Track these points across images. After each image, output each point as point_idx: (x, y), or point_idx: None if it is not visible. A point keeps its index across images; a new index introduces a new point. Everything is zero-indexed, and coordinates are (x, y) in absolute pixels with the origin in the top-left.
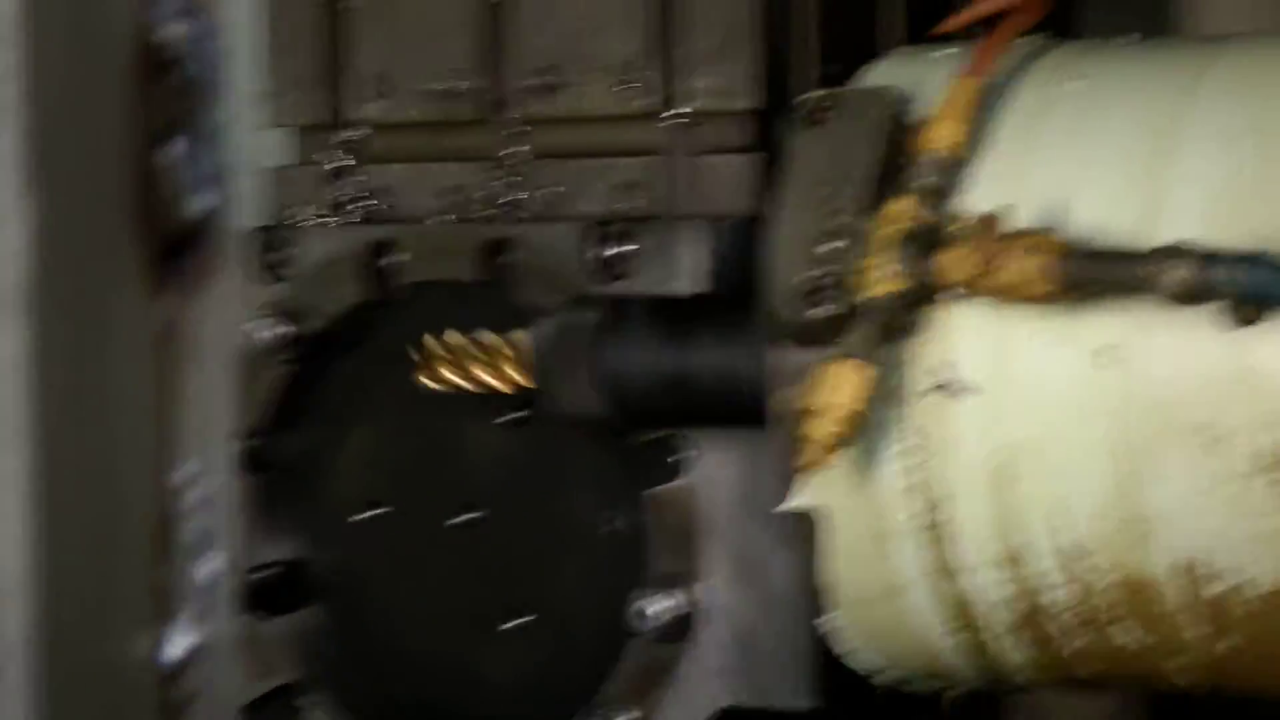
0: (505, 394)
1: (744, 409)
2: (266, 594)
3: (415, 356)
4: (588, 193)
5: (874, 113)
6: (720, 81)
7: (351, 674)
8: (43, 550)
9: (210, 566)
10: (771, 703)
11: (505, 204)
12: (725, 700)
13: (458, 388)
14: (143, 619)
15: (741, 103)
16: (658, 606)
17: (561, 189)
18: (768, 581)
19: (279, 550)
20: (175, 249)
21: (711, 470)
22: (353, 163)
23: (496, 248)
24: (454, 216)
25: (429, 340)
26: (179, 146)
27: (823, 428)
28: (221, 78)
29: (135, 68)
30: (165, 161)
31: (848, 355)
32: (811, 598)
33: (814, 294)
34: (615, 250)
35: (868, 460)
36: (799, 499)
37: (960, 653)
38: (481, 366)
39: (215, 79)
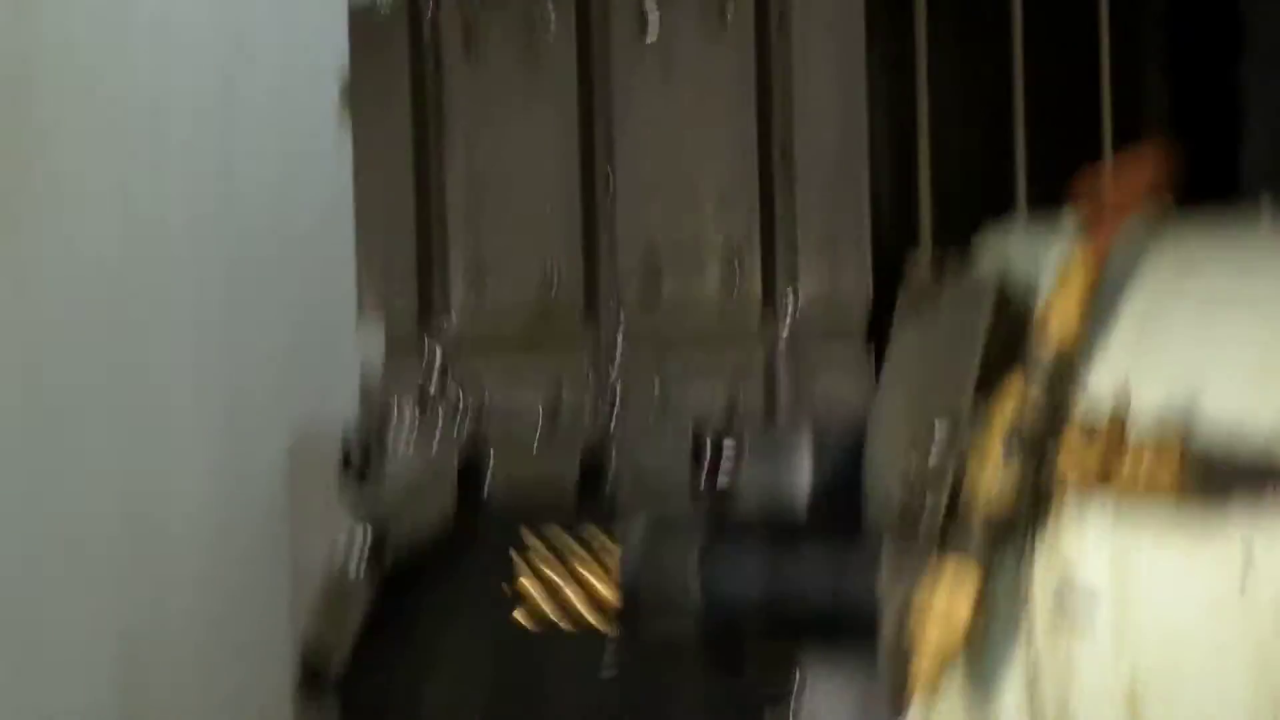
0: (602, 623)
1: (853, 625)
2: None
3: (511, 590)
4: (693, 387)
5: (982, 296)
6: (830, 269)
7: None
8: None
9: None
10: None
11: (607, 399)
12: None
13: (552, 623)
14: None
15: (852, 291)
16: None
17: (666, 383)
18: None
19: None
20: None
21: (824, 702)
22: (444, 357)
23: (594, 459)
24: (549, 420)
25: (524, 574)
26: None
27: (934, 637)
28: None
29: None
30: None
31: (959, 557)
32: None
33: (920, 488)
34: (719, 455)
35: (985, 682)
36: (911, 718)
37: None
38: (576, 600)
39: None
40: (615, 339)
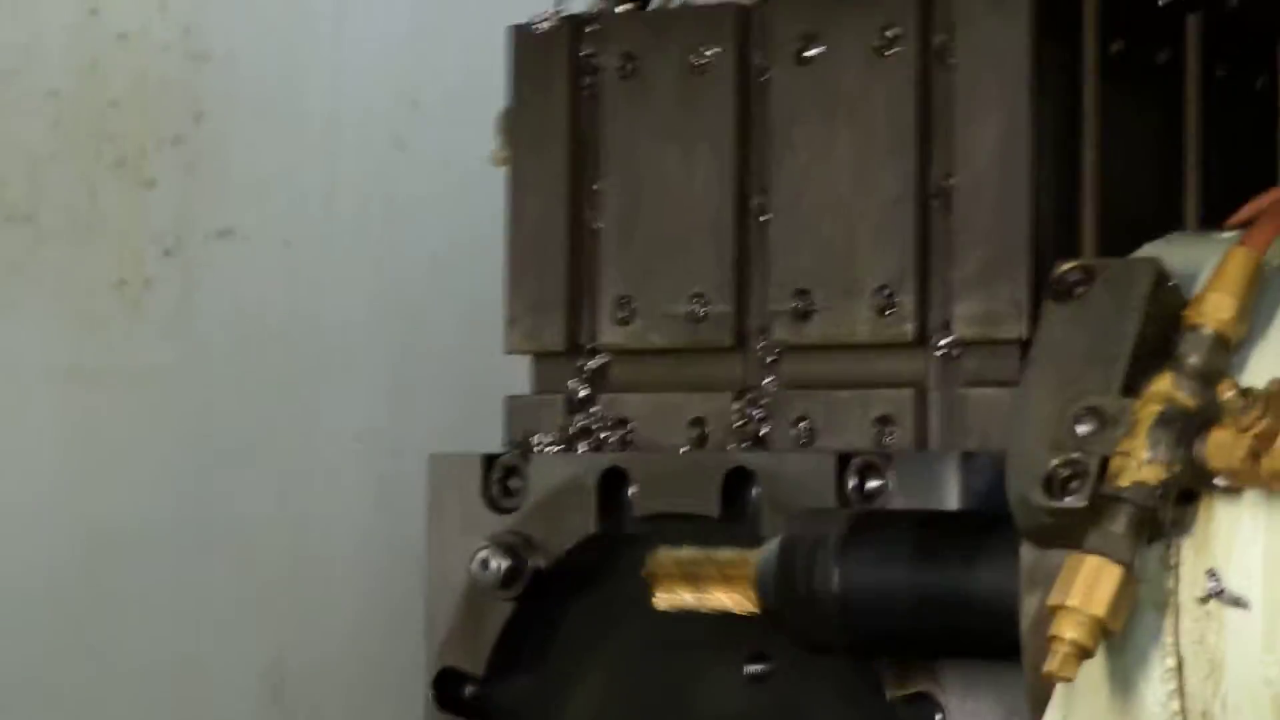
0: (740, 620)
1: (996, 638)
2: None
3: (646, 570)
4: (841, 425)
5: (1135, 284)
6: (985, 309)
7: None
8: None
9: None
10: None
11: (752, 437)
12: None
13: (689, 607)
14: None
15: (1008, 332)
16: None
17: (814, 422)
18: None
19: None
20: None
21: None
22: (590, 392)
23: (739, 479)
24: (694, 450)
25: (660, 555)
26: None
27: (1072, 630)
28: None
29: None
30: None
31: (1101, 552)
32: None
33: (1062, 482)
34: (867, 485)
35: (1129, 679)
36: None
37: None
38: (715, 585)
39: None
40: (763, 376)
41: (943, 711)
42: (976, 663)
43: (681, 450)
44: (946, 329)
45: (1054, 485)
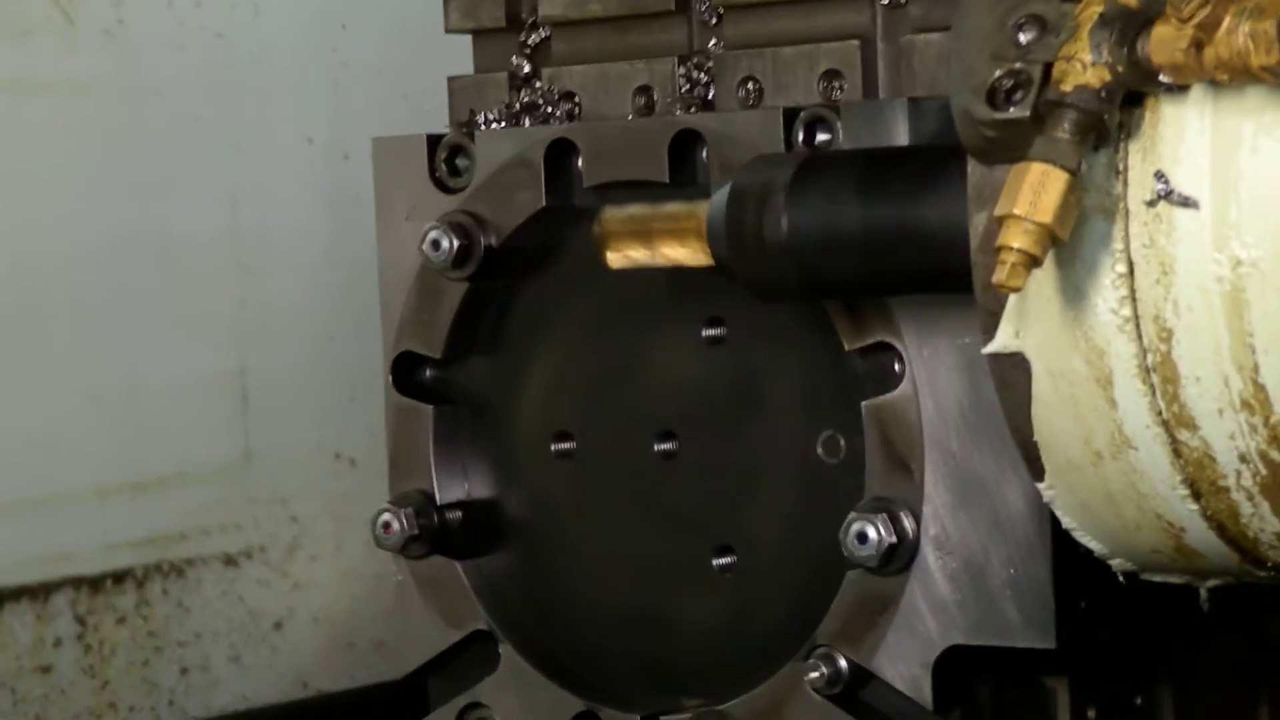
0: (693, 285)
1: (948, 266)
2: (454, 536)
3: (596, 230)
4: (788, 83)
5: None
6: None
7: (545, 621)
8: None
9: None
10: (1004, 640)
11: (699, 101)
12: (952, 638)
13: (641, 264)
14: None
15: None
16: (876, 532)
17: (761, 81)
18: (998, 503)
19: (464, 488)
20: None
21: (931, 379)
22: (532, 68)
23: (687, 142)
24: (641, 116)
25: (610, 213)
26: None
27: (1019, 239)
28: None
29: None
30: None
31: (1046, 159)
32: (1047, 520)
33: (1005, 93)
34: (817, 138)
35: (1080, 288)
36: (1001, 338)
37: (1203, 525)
38: (666, 238)
39: None
40: (707, 38)
41: (902, 358)
42: (932, 306)
43: (628, 119)
44: None
45: (997, 96)
